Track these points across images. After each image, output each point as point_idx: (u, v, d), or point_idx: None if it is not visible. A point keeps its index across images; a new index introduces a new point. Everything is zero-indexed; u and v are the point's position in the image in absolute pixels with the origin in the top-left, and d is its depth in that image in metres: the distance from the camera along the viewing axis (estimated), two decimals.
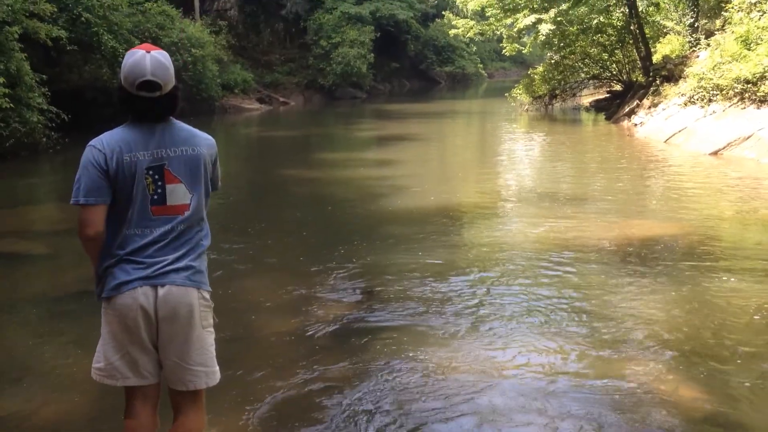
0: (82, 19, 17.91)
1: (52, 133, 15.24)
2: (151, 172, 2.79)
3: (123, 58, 2.81)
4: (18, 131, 14.05)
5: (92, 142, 2.80)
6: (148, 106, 2.77)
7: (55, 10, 16.58)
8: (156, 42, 20.37)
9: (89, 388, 4.32)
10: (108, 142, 2.78)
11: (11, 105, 13.42)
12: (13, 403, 4.21)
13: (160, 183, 2.80)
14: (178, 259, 2.82)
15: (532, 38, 26.55)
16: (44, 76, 15.33)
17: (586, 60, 24.17)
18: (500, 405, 4.06)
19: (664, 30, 24.43)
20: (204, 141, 2.93)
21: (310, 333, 5.22)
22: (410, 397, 4.18)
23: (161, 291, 2.77)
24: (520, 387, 4.30)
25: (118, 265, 2.80)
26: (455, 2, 33.17)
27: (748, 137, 13.49)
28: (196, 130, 2.95)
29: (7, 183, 12.29)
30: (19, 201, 11.18)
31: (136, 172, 2.77)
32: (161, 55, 2.76)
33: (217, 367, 2.99)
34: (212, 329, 2.96)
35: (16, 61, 14.12)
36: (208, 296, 2.92)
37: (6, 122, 13.49)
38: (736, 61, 15.24)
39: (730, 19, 17.31)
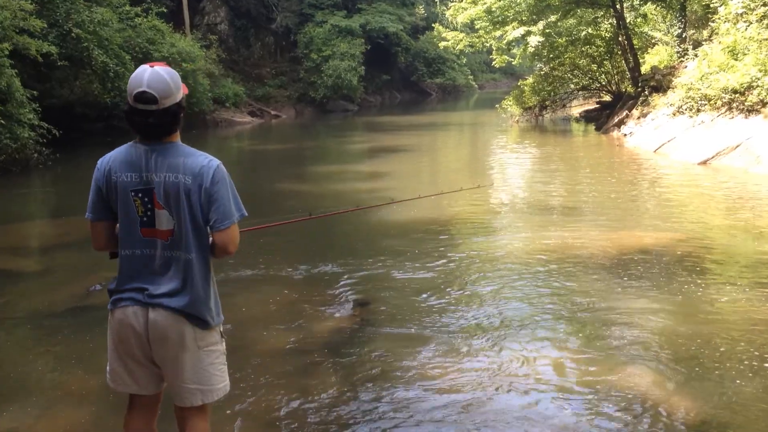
0: (72, 34, 17.89)
1: (43, 149, 15.25)
2: (140, 195, 2.81)
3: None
4: (9, 147, 14.07)
5: (99, 159, 2.90)
6: (143, 119, 2.75)
7: (45, 26, 16.58)
8: (146, 57, 20.38)
9: (83, 404, 4.34)
10: (105, 161, 2.87)
11: (2, 121, 13.41)
12: (5, 420, 4.20)
13: (150, 206, 2.82)
14: (172, 289, 2.82)
15: (521, 50, 26.73)
16: (35, 92, 15.33)
17: (576, 71, 24.36)
18: (493, 416, 4.09)
19: (653, 41, 24.66)
20: (195, 169, 2.78)
21: (303, 347, 5.24)
22: (402, 411, 4.19)
23: (152, 314, 2.81)
24: (513, 397, 4.33)
25: (118, 283, 2.88)
26: (445, 15, 33.44)
27: (736, 147, 13.61)
28: (197, 156, 2.82)
29: None
30: (11, 217, 11.13)
31: (119, 192, 2.81)
32: (164, 71, 2.76)
33: (220, 384, 2.96)
34: (215, 347, 2.93)
35: (6, 77, 14.12)
36: (207, 318, 2.88)
37: None
38: (724, 71, 15.40)
39: (717, 30, 17.49)
